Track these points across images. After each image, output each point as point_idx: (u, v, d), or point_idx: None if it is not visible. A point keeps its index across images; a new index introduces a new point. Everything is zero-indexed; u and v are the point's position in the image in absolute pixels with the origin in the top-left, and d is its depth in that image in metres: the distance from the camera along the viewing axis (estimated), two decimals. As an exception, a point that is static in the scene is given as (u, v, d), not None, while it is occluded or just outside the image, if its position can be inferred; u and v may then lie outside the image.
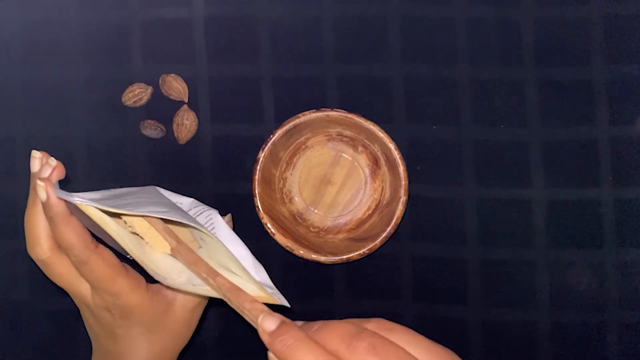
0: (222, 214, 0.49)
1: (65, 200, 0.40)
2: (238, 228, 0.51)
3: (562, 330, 0.57)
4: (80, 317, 0.50)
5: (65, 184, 0.47)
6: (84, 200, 0.39)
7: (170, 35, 0.58)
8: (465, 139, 0.57)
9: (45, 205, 0.41)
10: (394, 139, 0.54)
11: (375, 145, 0.55)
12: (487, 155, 0.57)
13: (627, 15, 0.57)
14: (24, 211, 0.44)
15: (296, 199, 0.57)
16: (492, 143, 0.57)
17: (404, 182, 0.54)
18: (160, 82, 0.58)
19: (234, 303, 0.38)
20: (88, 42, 0.58)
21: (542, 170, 0.57)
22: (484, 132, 0.57)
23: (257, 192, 0.54)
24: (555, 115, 0.57)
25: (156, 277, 0.42)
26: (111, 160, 0.58)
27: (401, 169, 0.54)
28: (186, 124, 0.58)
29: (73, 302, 0.50)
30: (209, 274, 0.40)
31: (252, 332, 0.58)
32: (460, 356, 0.60)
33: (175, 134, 0.58)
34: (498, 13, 0.57)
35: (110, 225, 0.40)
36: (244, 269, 0.43)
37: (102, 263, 0.42)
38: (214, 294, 0.41)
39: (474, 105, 0.57)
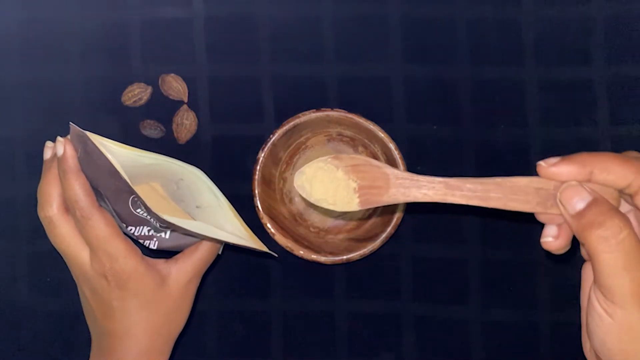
0: None
1: (78, 157, 0.45)
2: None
3: (562, 330, 0.57)
4: (81, 317, 0.50)
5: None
6: (95, 135, 0.45)
7: (170, 35, 0.58)
8: (465, 139, 0.57)
9: (61, 159, 0.45)
10: (394, 139, 0.54)
11: (376, 145, 0.55)
12: (487, 155, 0.57)
13: (627, 15, 0.57)
14: (24, 211, 0.47)
15: (296, 199, 0.57)
16: (492, 143, 0.57)
17: (404, 182, 0.54)
18: (160, 82, 0.58)
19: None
20: (88, 42, 0.58)
21: (542, 170, 0.57)
22: (484, 132, 0.57)
23: (257, 192, 0.54)
24: (555, 115, 0.57)
25: (146, 202, 0.44)
26: (111, 160, 0.58)
27: (401, 169, 0.53)
28: (186, 124, 0.58)
29: (72, 302, 0.50)
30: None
31: (251, 332, 0.59)
32: (460, 356, 0.61)
33: (175, 134, 0.58)
34: (498, 13, 0.57)
35: (114, 160, 0.44)
36: (242, 229, 0.48)
37: (104, 221, 0.46)
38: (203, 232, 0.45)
39: (474, 105, 0.57)
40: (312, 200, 0.37)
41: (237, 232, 0.48)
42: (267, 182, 0.55)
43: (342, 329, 0.58)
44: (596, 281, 0.34)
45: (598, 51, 0.57)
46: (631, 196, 0.34)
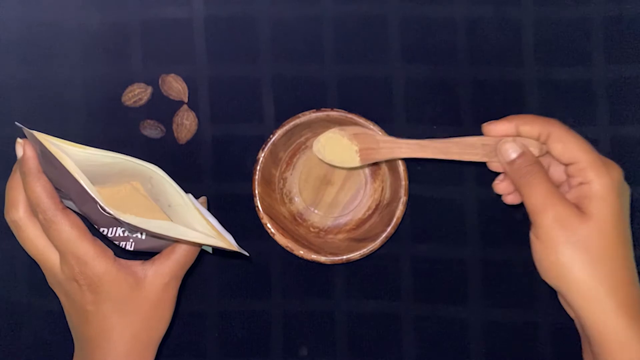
0: (213, 210, 0.49)
1: (38, 159, 0.44)
2: (238, 228, 0.51)
3: (562, 330, 0.57)
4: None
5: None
6: (44, 135, 0.43)
7: (170, 35, 0.58)
8: (465, 139, 0.57)
9: (21, 161, 0.44)
10: (394, 139, 0.54)
11: (375, 145, 0.55)
12: (487, 155, 0.57)
13: (627, 15, 0.57)
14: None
15: (296, 199, 0.57)
16: (492, 143, 0.57)
17: (404, 182, 0.54)
18: (160, 82, 0.58)
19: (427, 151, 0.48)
20: (88, 42, 0.58)
21: (542, 170, 0.57)
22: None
23: (257, 192, 0.54)
24: (555, 115, 0.57)
25: (102, 205, 0.43)
26: (111, 160, 0.58)
27: (401, 169, 0.54)
28: (186, 124, 0.58)
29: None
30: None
31: (251, 332, 0.58)
32: (460, 356, 0.61)
33: (175, 134, 0.58)
34: (498, 13, 0.57)
35: (66, 160, 0.43)
36: (210, 228, 0.46)
37: (68, 222, 0.44)
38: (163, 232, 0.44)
39: (474, 105, 0.57)
40: (326, 160, 0.50)
41: (206, 232, 0.46)
42: (267, 182, 0.55)
43: (342, 329, 0.58)
44: (530, 217, 0.44)
45: (598, 51, 0.57)
46: (545, 144, 0.44)
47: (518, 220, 0.57)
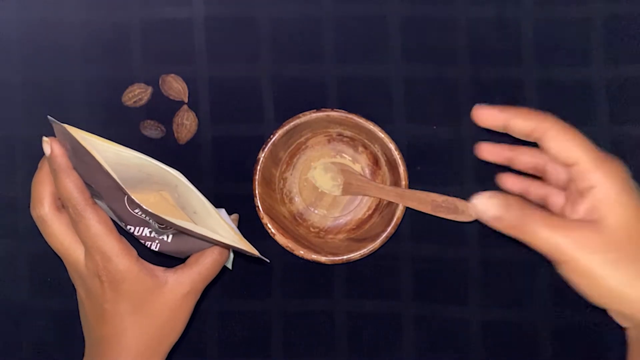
0: (229, 214, 0.50)
1: (67, 155, 0.45)
2: (238, 228, 0.51)
3: (562, 330, 0.57)
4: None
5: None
6: (75, 129, 0.44)
7: (170, 35, 0.58)
8: (465, 139, 0.57)
9: (50, 159, 0.45)
10: (394, 139, 0.54)
11: (376, 146, 0.55)
12: (487, 155, 0.57)
13: (627, 15, 0.57)
14: (24, 211, 0.47)
15: (296, 199, 0.57)
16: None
17: (404, 182, 0.54)
18: (160, 82, 0.58)
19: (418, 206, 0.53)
20: (88, 42, 0.58)
21: (542, 170, 0.57)
22: (484, 132, 0.57)
23: (257, 192, 0.54)
24: (555, 115, 0.57)
25: (130, 196, 0.44)
26: (111, 160, 0.58)
27: (401, 169, 0.54)
28: (186, 124, 0.58)
29: (73, 302, 0.50)
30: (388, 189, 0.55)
31: (251, 332, 0.59)
32: (460, 356, 0.61)
33: (175, 134, 0.58)
34: (498, 13, 0.57)
35: (96, 154, 0.43)
36: (233, 233, 0.47)
37: (97, 218, 0.45)
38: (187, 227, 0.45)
39: (474, 105, 0.57)
40: (316, 185, 0.57)
41: (229, 237, 0.47)
42: (267, 182, 0.55)
43: (342, 329, 0.58)
44: (548, 257, 0.41)
45: (598, 51, 0.57)
46: (539, 140, 0.41)
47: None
